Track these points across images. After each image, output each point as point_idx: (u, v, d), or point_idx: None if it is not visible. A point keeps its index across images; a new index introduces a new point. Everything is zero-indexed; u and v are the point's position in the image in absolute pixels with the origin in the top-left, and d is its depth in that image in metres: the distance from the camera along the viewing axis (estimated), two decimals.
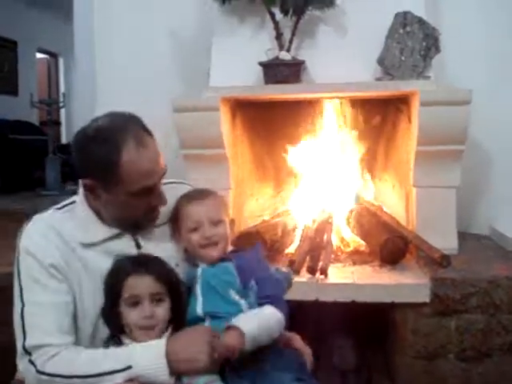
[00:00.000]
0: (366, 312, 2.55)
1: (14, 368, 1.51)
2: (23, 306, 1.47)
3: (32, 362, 1.42)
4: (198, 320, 1.49)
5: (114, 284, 1.47)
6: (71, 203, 1.61)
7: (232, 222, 1.68)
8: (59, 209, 1.60)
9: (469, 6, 3.38)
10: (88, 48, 3.90)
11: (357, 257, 2.89)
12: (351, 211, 3.08)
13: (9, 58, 8.87)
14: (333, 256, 2.78)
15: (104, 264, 1.51)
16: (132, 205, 1.51)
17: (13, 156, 7.79)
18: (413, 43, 2.89)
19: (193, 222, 1.58)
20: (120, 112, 1.54)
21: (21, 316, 1.47)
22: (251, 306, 1.49)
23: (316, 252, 2.67)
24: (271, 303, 1.49)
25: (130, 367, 1.37)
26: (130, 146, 1.44)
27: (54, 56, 10.96)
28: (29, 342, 1.44)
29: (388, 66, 2.91)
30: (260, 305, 1.48)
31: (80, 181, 1.53)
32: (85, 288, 1.51)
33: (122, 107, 3.67)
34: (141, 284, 1.46)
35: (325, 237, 2.79)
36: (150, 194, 1.51)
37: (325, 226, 2.86)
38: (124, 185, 1.46)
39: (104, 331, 1.50)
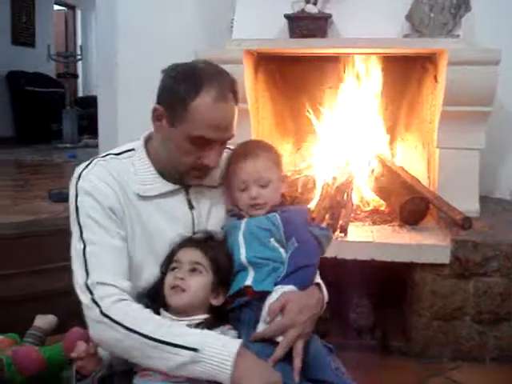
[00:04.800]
0: (385, 271, 2.54)
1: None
2: (85, 245, 1.44)
3: (96, 302, 1.37)
4: (241, 268, 1.49)
5: (168, 260, 1.50)
6: (129, 150, 1.59)
7: (284, 177, 1.67)
8: (117, 154, 1.58)
9: None
10: (109, 1, 3.84)
11: (376, 216, 2.87)
12: (372, 170, 3.05)
13: (26, 10, 8.79)
14: (352, 215, 2.76)
15: (155, 219, 1.52)
16: (184, 150, 1.48)
17: (29, 108, 7.79)
18: (443, 0, 2.81)
19: (241, 182, 1.58)
20: (219, 66, 1.53)
21: (83, 254, 1.43)
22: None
23: (336, 210, 2.65)
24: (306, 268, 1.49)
25: (196, 350, 1.29)
26: (211, 92, 1.43)
27: (71, 8, 10.85)
28: (92, 279, 1.39)
29: (416, 23, 2.84)
30: (295, 270, 1.46)
31: (154, 106, 1.51)
32: (136, 235, 1.51)
33: (143, 61, 3.69)
34: (186, 253, 1.48)
35: (345, 195, 2.77)
36: (205, 148, 1.48)
37: (345, 185, 2.84)
38: (187, 125, 1.45)
39: (145, 283, 1.50)
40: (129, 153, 1.58)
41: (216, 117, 1.44)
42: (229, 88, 1.47)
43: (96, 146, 4.57)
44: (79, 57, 8.69)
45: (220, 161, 1.57)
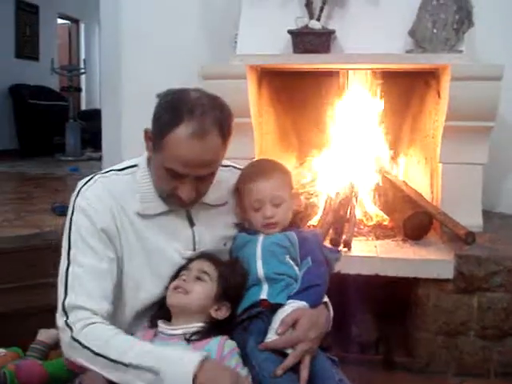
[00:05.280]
0: (388, 286, 2.54)
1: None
2: (69, 264, 1.47)
3: (68, 325, 1.41)
4: (255, 283, 1.52)
5: (180, 269, 1.53)
6: (132, 166, 1.59)
7: (295, 195, 1.71)
8: (120, 170, 1.58)
9: None
10: (113, 14, 3.87)
11: (380, 231, 2.87)
12: (375, 185, 3.05)
13: (30, 23, 8.83)
14: (355, 229, 2.76)
15: (155, 237, 1.53)
16: (162, 177, 1.49)
17: (32, 121, 7.80)
18: (446, 16, 2.83)
19: (255, 201, 1.59)
20: (216, 97, 1.48)
21: (65, 274, 1.46)
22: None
23: (339, 225, 2.66)
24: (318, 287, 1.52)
25: (157, 373, 1.31)
26: (187, 128, 1.39)
27: (75, 22, 10.89)
28: (68, 301, 1.43)
29: (419, 39, 2.86)
30: (308, 287, 1.50)
31: (145, 128, 1.51)
32: (135, 254, 1.52)
33: (147, 75, 3.70)
34: (198, 263, 1.52)
35: (348, 210, 2.77)
36: (179, 180, 1.47)
37: (348, 199, 2.84)
38: (162, 155, 1.44)
39: (143, 302, 1.52)
40: (131, 169, 1.59)
41: (186, 154, 1.40)
42: (214, 124, 1.42)
43: (99, 159, 4.58)
44: (83, 70, 8.72)
45: (209, 187, 1.55)
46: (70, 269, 1.46)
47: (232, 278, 1.51)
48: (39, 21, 9.05)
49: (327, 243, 2.47)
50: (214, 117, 1.42)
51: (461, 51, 2.85)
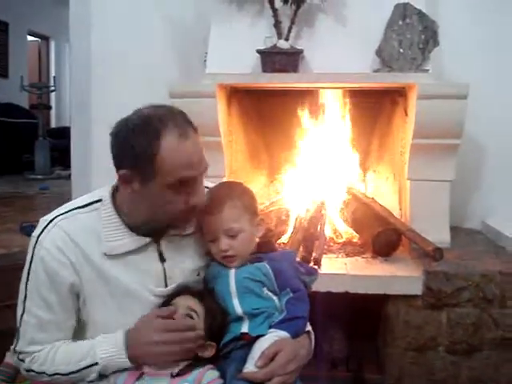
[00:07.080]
0: (359, 303, 2.55)
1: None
2: (23, 312, 1.49)
3: (21, 360, 1.52)
4: (236, 318, 1.48)
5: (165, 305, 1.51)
6: (96, 201, 1.51)
7: (260, 221, 1.61)
8: (82, 207, 1.51)
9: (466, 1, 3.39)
10: (84, 32, 3.86)
11: (349, 248, 2.89)
12: (344, 202, 3.08)
13: (0, 40, 8.78)
14: (325, 247, 2.78)
15: (124, 277, 1.48)
16: (169, 200, 1.42)
17: (1, 138, 7.72)
18: (412, 35, 2.88)
19: (209, 234, 1.54)
20: (163, 104, 1.46)
21: (20, 320, 1.50)
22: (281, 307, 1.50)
23: (309, 242, 2.67)
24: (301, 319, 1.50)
25: (96, 363, 1.44)
26: (171, 134, 1.36)
27: (45, 39, 10.84)
28: (20, 347, 1.51)
29: (386, 58, 2.91)
30: (291, 318, 1.46)
31: (117, 173, 1.43)
32: (99, 297, 1.48)
33: (117, 93, 3.69)
34: (183, 299, 1.48)
35: (318, 227, 2.79)
36: (189, 188, 1.42)
37: (318, 217, 2.86)
38: (162, 176, 1.38)
39: None
40: (95, 204, 1.51)
41: (185, 155, 1.38)
42: (185, 122, 1.41)
43: (68, 177, 4.54)
44: (53, 88, 8.67)
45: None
46: (25, 317, 1.49)
47: (218, 315, 1.47)
48: (9, 38, 9.01)
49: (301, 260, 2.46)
50: (181, 118, 1.42)
51: (427, 70, 2.90)
